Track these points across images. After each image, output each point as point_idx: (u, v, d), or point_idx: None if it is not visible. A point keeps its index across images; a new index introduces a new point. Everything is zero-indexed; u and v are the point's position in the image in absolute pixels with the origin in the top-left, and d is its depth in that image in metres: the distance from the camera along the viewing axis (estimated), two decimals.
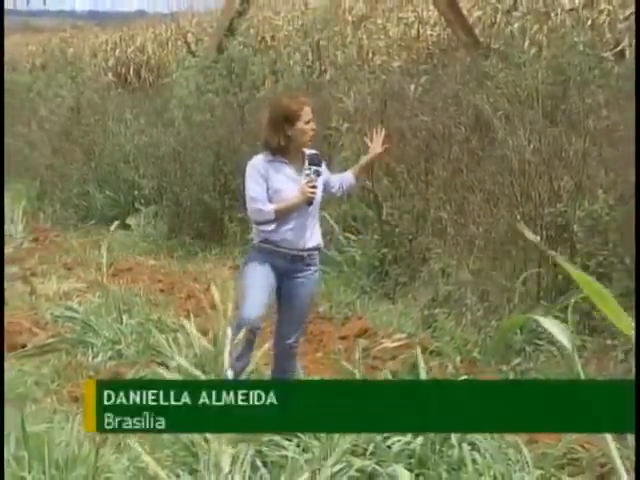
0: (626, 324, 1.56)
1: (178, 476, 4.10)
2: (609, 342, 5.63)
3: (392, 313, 7.31)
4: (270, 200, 5.15)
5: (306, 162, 5.15)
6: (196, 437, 4.46)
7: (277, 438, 4.50)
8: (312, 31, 16.48)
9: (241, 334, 4.79)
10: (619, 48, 10.82)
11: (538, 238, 1.88)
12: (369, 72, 12.39)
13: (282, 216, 5.13)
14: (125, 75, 22.35)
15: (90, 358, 6.67)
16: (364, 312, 7.47)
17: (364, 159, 5.66)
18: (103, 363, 6.58)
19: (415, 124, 8.85)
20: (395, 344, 6.52)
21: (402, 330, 6.84)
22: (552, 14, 11.63)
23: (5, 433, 4.68)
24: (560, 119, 7.98)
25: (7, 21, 37.40)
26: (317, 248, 5.29)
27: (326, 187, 5.34)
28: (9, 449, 4.47)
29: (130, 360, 6.53)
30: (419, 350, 5.22)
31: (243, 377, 4.92)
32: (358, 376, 5.32)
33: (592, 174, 6.96)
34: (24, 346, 6.99)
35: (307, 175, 5.11)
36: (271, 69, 13.23)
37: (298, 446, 4.41)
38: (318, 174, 5.13)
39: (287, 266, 5.18)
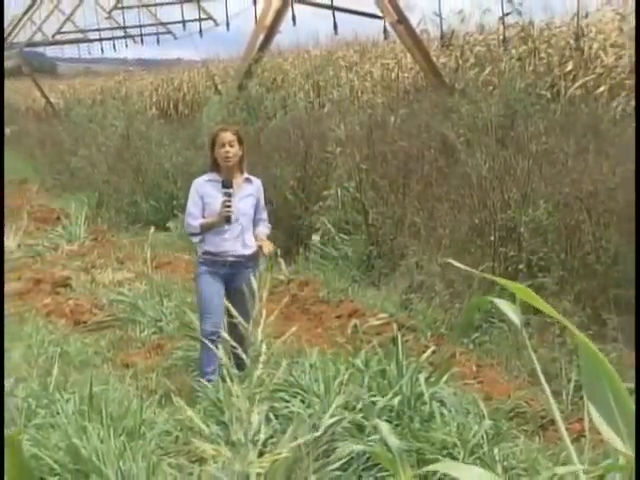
0: (550, 311, 1.56)
1: (208, 426, 4.09)
2: (548, 320, 5.62)
3: (377, 297, 7.30)
4: (204, 212, 5.11)
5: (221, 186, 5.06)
6: (221, 395, 4.47)
7: (285, 396, 4.50)
8: (313, 74, 16.51)
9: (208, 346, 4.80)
10: (555, 88, 10.82)
11: (467, 268, 1.89)
12: (358, 106, 12.41)
13: (206, 230, 5.09)
14: (166, 109, 22.37)
15: (138, 333, 6.66)
16: (355, 296, 7.45)
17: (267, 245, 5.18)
18: (148, 337, 6.58)
19: (395, 148, 8.85)
20: (379, 322, 6.51)
21: (385, 311, 6.83)
22: (502, 62, 11.63)
23: (70, 392, 4.69)
24: (509, 144, 7.98)
25: (73, 67, 37.39)
26: (252, 254, 5.13)
27: (255, 224, 5.20)
28: (75, 406, 4.47)
29: (169, 335, 6.52)
30: (396, 327, 5.23)
31: (214, 377, 4.90)
32: (350, 347, 5.32)
33: (535, 187, 6.95)
34: (86, 323, 6.99)
35: (223, 195, 5.02)
36: (281, 104, 13.22)
37: (302, 402, 4.40)
38: (229, 195, 5.00)
39: (228, 271, 5.08)
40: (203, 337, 5.00)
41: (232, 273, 5.07)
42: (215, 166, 5.15)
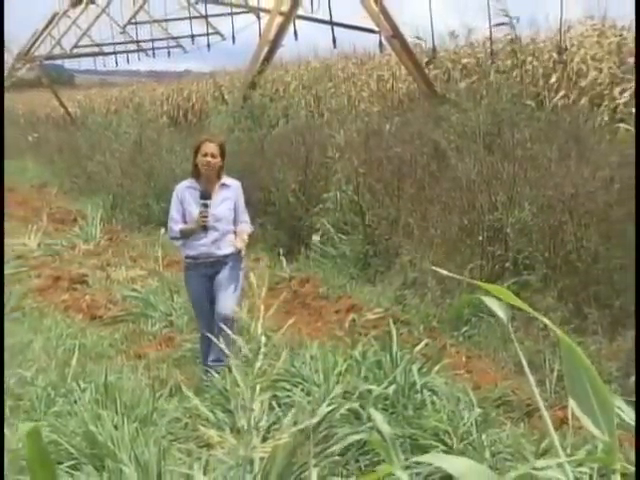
0: (529, 309, 1.58)
1: (215, 413, 4.09)
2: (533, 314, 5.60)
3: (373, 293, 7.29)
4: (184, 217, 5.10)
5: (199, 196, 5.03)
6: (228, 384, 4.46)
7: (287, 385, 4.50)
8: (313, 85, 16.49)
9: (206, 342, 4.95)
10: (539, 98, 10.81)
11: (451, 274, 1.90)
12: (355, 115, 12.37)
13: (185, 235, 5.08)
14: (176, 117, 22.33)
15: (150, 326, 6.67)
16: (352, 292, 7.45)
17: (241, 240, 5.09)
18: (159, 330, 6.58)
19: (390, 153, 8.85)
20: (375, 316, 6.50)
21: (380, 306, 6.82)
22: (490, 73, 11.62)
23: (87, 382, 4.68)
24: (496, 150, 7.97)
25: (89, 78, 37.38)
26: (230, 253, 5.08)
27: (235, 222, 5.16)
28: (92, 394, 4.47)
29: (179, 328, 6.52)
30: (391, 321, 5.22)
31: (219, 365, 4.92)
32: (348, 340, 5.31)
33: (520, 190, 6.95)
34: (101, 317, 6.99)
35: (200, 206, 5.00)
36: (283, 113, 13.20)
37: (303, 391, 4.40)
38: (206, 206, 4.99)
39: (209, 270, 5.09)
40: (201, 334, 5.14)
41: (215, 271, 5.10)
42: (195, 171, 5.14)
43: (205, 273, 5.11)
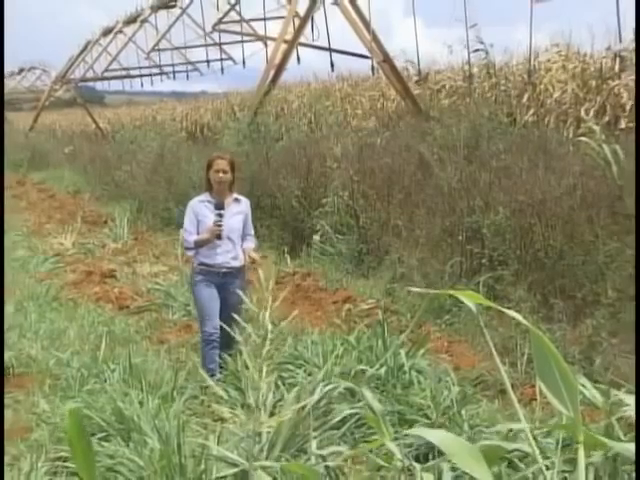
0: (496, 306, 1.60)
1: (227, 392, 4.09)
2: (507, 305, 5.61)
3: (366, 286, 7.28)
4: (198, 229, 4.90)
5: (214, 207, 4.86)
6: (239, 366, 4.46)
7: (291, 367, 4.50)
8: (313, 104, 16.48)
9: (209, 346, 4.77)
10: (513, 116, 10.80)
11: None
12: (350, 130, 12.36)
13: (199, 246, 4.87)
14: (193, 132, 22.31)
15: (171, 315, 6.66)
16: (348, 285, 7.43)
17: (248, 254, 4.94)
18: (179, 318, 6.57)
19: (381, 164, 8.84)
20: (368, 306, 6.50)
21: (373, 297, 6.82)
22: (469, 94, 11.61)
23: (115, 364, 4.67)
24: (474, 160, 7.96)
25: (118, 98, 37.31)
26: (242, 266, 4.92)
27: (243, 239, 4.97)
28: (120, 375, 4.46)
29: (196, 317, 6.50)
30: (381, 310, 5.22)
31: (217, 371, 4.78)
32: (344, 327, 5.31)
33: (495, 196, 6.94)
34: (128, 307, 6.98)
35: (215, 216, 4.82)
36: (286, 128, 13.17)
37: (305, 372, 4.40)
38: (221, 216, 4.80)
39: (220, 280, 4.87)
40: (204, 338, 4.84)
41: (223, 282, 4.88)
42: (208, 185, 4.96)
43: (215, 281, 4.88)
